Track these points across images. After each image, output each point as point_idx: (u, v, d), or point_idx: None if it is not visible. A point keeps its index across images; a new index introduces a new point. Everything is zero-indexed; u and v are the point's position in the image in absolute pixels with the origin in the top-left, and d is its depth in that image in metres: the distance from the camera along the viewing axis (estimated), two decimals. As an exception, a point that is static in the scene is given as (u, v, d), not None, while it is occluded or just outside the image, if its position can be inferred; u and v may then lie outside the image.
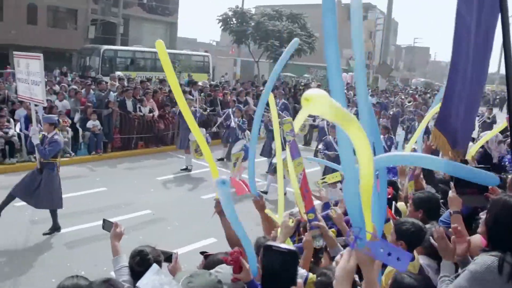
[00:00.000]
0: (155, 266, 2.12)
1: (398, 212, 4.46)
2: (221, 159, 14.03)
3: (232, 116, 13.77)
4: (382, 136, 11.06)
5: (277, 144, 4.26)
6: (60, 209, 8.23)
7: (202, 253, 3.22)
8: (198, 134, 3.76)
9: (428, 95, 33.22)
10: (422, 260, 3.32)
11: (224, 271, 2.59)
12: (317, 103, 1.48)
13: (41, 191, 7.73)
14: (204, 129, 12.63)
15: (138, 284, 1.95)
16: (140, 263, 3.11)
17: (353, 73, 37.88)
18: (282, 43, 32.13)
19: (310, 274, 3.05)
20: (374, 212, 2.26)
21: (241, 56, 40.83)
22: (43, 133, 7.92)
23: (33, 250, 7.31)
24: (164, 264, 3.33)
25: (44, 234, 7.83)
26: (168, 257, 3.32)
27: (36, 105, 8.41)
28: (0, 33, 20.69)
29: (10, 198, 7.84)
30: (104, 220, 3.67)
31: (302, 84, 29.88)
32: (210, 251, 3.28)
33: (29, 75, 8.09)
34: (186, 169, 12.87)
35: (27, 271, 6.67)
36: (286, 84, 27.75)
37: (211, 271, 2.53)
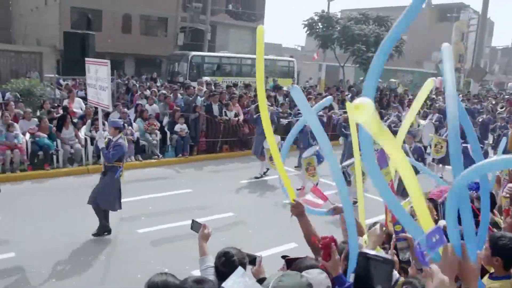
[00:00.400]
0: (240, 269, 2.11)
1: (495, 224, 4.16)
2: (297, 167, 13.20)
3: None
4: (469, 145, 10.40)
5: (355, 148, 4.13)
6: (150, 208, 8.56)
7: (283, 257, 3.18)
8: (271, 142, 3.67)
9: (527, 99, 31.09)
10: None
11: (311, 276, 2.54)
12: (363, 112, 1.59)
13: (99, 188, 7.92)
14: (279, 137, 11.83)
15: (223, 285, 1.96)
16: (226, 264, 3.12)
17: (442, 77, 36.43)
18: (368, 47, 31.47)
19: (402, 278, 2.93)
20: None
21: (325, 61, 40.52)
22: (109, 137, 8.06)
23: (122, 246, 7.65)
24: (248, 267, 3.33)
25: (93, 235, 7.87)
26: (252, 260, 3.31)
27: (103, 110, 8.67)
28: (98, 41, 22.15)
29: (98, 211, 7.97)
30: (192, 221, 3.72)
31: (389, 88, 29.08)
32: (291, 255, 3.23)
33: (97, 81, 8.25)
34: (260, 177, 12.53)
35: (115, 265, 6.99)
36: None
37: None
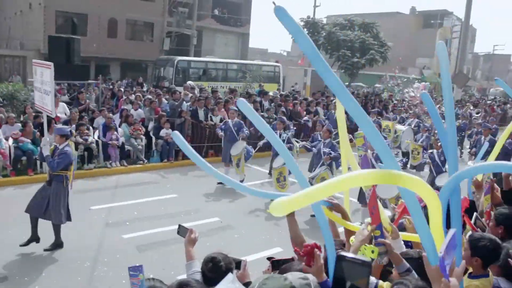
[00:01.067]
0: (230, 275, 2.12)
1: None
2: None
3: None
4: (435, 151, 10.99)
5: (342, 152, 4.17)
6: (135, 213, 8.50)
7: (268, 258, 3.20)
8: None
9: (509, 105, 31.50)
10: (502, 284, 3.12)
11: (291, 278, 2.56)
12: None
13: (52, 204, 7.39)
14: (244, 142, 12.04)
15: None
16: (212, 269, 3.12)
17: (426, 83, 36.78)
18: (354, 53, 31.74)
19: (380, 282, 2.95)
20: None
21: (311, 66, 40.73)
22: (55, 144, 7.58)
23: (106, 252, 7.60)
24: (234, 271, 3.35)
25: (45, 250, 7.45)
26: (237, 264, 3.32)
27: (47, 116, 8.12)
28: (83, 46, 22.00)
29: (32, 219, 7.55)
30: (179, 226, 3.71)
31: (373, 94, 29.31)
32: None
33: (42, 84, 7.77)
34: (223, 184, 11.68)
35: (100, 271, 6.94)
36: (356, 95, 27.31)
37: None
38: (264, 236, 8.54)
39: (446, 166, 9.89)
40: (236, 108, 13.34)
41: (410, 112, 19.77)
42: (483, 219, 4.50)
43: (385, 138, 14.08)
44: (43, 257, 7.29)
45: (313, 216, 8.91)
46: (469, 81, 43.87)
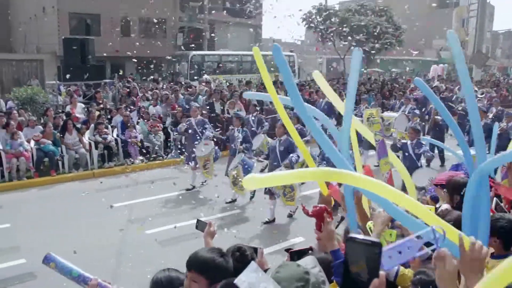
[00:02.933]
0: (253, 263, 2.12)
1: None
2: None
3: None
4: (409, 142, 9.07)
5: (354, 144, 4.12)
6: (157, 209, 8.56)
7: (287, 250, 3.20)
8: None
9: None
10: None
11: (304, 264, 2.56)
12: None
13: None
14: (212, 142, 10.90)
15: (236, 281, 1.96)
16: (240, 259, 3.12)
17: (444, 65, 36.24)
18: (368, 38, 31.42)
19: (402, 268, 2.93)
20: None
21: (327, 54, 40.43)
22: None
23: (130, 248, 7.69)
24: None
25: None
26: (254, 252, 3.32)
27: None
28: (97, 46, 22.30)
29: None
30: (197, 220, 3.74)
31: (391, 78, 29.00)
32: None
33: None
34: (193, 188, 11.25)
35: (125, 267, 7.03)
36: (373, 80, 27.05)
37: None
38: (287, 226, 8.56)
39: (422, 160, 9.25)
40: (198, 105, 12.80)
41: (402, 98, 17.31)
42: (503, 203, 4.44)
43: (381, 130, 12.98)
44: (67, 256, 7.39)
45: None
46: (489, 61, 43.15)
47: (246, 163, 9.73)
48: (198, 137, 10.98)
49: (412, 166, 8.35)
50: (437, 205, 4.27)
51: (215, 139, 11.23)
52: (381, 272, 1.67)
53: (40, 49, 31.65)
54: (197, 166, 10.84)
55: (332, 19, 32.93)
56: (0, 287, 6.44)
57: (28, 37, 33.24)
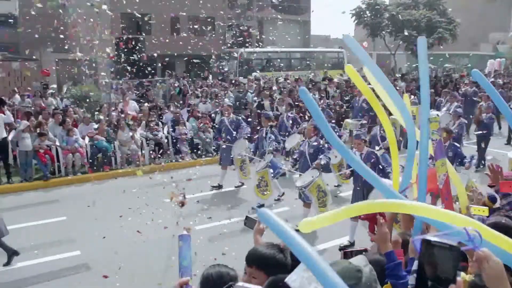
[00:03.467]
0: (302, 264, 2.10)
1: None
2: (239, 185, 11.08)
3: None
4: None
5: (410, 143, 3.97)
6: (206, 205, 8.66)
7: (341, 249, 3.12)
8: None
9: None
10: None
11: (355, 262, 2.50)
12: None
13: None
14: (246, 141, 10.59)
15: (286, 280, 1.94)
16: (295, 257, 3.08)
17: (501, 59, 34.77)
18: (420, 33, 30.55)
19: (462, 274, 2.81)
20: None
21: (376, 50, 39.69)
22: None
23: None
24: None
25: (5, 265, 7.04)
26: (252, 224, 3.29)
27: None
28: (148, 44, 22.84)
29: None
30: (246, 217, 3.73)
31: (443, 74, 28.11)
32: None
33: None
34: (218, 187, 11.08)
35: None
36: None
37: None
38: (336, 226, 8.40)
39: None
40: (230, 103, 12.44)
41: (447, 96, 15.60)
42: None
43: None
44: (122, 250, 7.55)
45: None
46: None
47: (273, 165, 9.30)
48: (233, 137, 10.68)
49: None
50: (495, 206, 4.08)
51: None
52: (458, 278, 1.58)
53: (93, 49, 32.61)
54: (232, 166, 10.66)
55: (382, 14, 32.23)
56: (56, 277, 6.64)
57: (82, 37, 34.34)
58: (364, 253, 2.98)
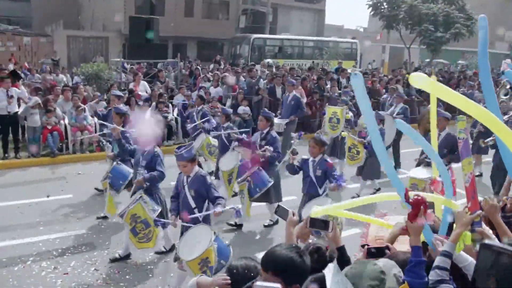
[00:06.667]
0: (335, 265, 2.03)
1: None
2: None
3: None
4: (311, 158, 6.73)
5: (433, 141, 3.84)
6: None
7: (363, 246, 2.99)
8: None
9: None
10: None
11: (380, 264, 2.41)
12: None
13: None
14: (239, 152, 8.52)
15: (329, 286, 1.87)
16: (318, 260, 2.93)
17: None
18: (437, 27, 30.20)
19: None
20: None
21: (389, 42, 39.32)
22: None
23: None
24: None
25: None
26: (326, 225, 3.12)
27: None
28: (161, 26, 22.67)
29: None
30: (278, 206, 3.56)
31: (457, 70, 27.80)
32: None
33: None
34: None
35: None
36: (437, 71, 26.02)
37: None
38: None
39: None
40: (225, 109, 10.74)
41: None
42: None
43: (334, 128, 10.50)
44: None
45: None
46: None
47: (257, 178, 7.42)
48: (225, 146, 9.11)
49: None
50: None
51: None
52: None
53: (106, 27, 32.50)
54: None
55: (400, 6, 31.79)
56: (61, 254, 6.58)
57: (95, 15, 34.20)
58: (387, 250, 2.87)
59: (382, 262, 2.46)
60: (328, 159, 6.74)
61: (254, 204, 7.74)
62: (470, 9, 32.70)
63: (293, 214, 3.35)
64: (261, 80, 14.94)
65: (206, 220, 5.49)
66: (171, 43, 30.61)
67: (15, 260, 6.34)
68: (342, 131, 10.29)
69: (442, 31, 30.64)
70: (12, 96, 10.92)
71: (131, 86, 14.71)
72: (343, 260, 2.94)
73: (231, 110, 10.76)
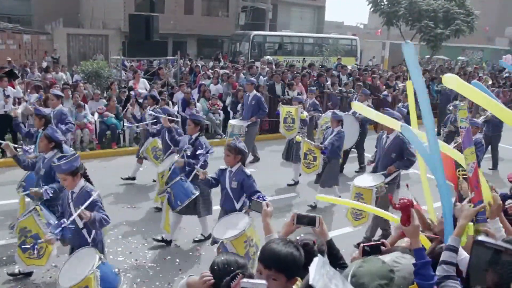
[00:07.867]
0: (320, 257, 2.00)
1: None
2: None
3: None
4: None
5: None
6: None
7: (359, 244, 3.00)
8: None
9: None
10: None
11: (403, 264, 2.41)
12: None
13: None
14: (175, 155, 7.78)
15: (311, 282, 1.85)
16: (306, 256, 2.95)
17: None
18: (437, 23, 30.12)
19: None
20: None
21: (389, 39, 39.24)
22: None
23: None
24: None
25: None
26: (312, 221, 3.14)
27: None
28: (161, 23, 22.57)
29: None
30: (251, 200, 3.62)
31: (457, 66, 27.74)
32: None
33: None
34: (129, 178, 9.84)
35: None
36: (438, 67, 26.00)
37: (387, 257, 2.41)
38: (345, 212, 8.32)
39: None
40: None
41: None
42: None
43: (289, 129, 10.25)
44: (125, 228, 7.50)
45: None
46: None
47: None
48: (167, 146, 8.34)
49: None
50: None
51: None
52: None
53: (106, 25, 32.46)
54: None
55: (400, 3, 31.71)
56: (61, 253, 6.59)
57: (95, 13, 34.15)
58: (382, 247, 2.88)
59: (389, 258, 2.48)
60: (246, 170, 5.88)
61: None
62: (470, 5, 32.63)
63: (267, 205, 3.39)
64: (261, 77, 14.92)
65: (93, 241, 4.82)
66: (171, 40, 30.57)
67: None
68: (298, 132, 9.95)
69: (442, 27, 30.58)
70: (8, 96, 10.92)
71: (130, 83, 14.72)
72: (331, 253, 3.06)
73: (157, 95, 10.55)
